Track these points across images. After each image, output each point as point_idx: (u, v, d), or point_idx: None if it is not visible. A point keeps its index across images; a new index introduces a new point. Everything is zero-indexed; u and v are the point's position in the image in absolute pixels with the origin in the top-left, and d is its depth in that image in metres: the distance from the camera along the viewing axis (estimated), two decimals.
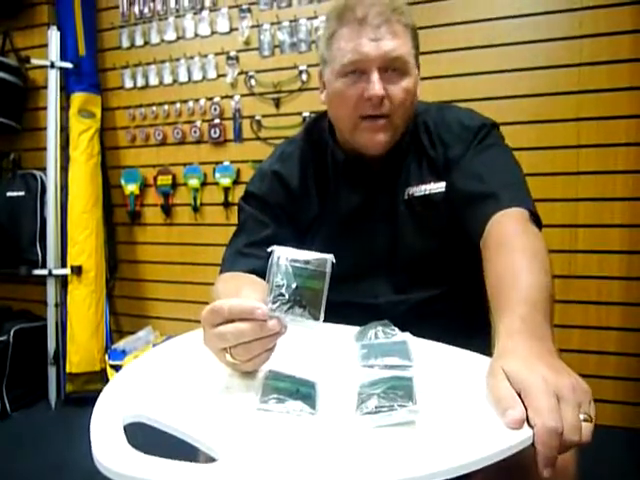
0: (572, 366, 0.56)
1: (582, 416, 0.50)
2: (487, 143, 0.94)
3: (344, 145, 1.00)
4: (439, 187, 0.96)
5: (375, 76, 0.88)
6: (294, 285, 0.60)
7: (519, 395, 0.52)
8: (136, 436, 0.55)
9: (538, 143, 1.92)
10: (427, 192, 0.96)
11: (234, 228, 1.05)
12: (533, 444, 0.49)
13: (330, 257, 0.61)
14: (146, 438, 0.60)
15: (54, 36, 2.44)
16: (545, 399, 0.49)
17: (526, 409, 0.50)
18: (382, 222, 0.99)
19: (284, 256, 0.61)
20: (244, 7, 2.28)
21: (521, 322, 0.61)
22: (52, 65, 2.42)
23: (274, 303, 0.59)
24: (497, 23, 1.95)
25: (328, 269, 0.60)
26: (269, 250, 0.62)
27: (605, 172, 1.88)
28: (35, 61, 2.46)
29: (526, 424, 0.50)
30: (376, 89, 0.87)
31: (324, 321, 0.60)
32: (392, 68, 0.89)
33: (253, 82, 2.31)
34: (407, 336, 0.76)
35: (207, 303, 0.64)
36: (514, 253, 0.73)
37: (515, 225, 0.80)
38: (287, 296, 0.59)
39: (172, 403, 0.61)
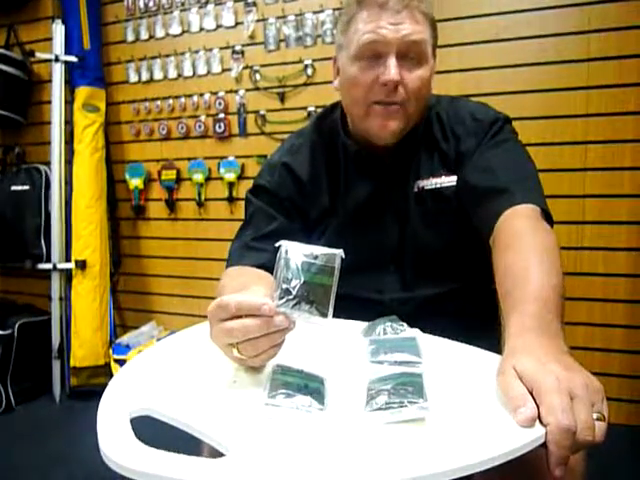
0: None
1: (595, 415, 0.50)
2: (500, 138, 0.93)
3: (356, 136, 0.99)
4: (450, 181, 0.95)
5: (392, 61, 0.86)
6: (302, 280, 0.58)
7: (531, 394, 0.51)
8: (137, 429, 0.55)
9: (545, 139, 1.91)
10: (438, 186, 0.95)
11: (239, 223, 1.04)
12: (545, 443, 0.48)
13: (339, 252, 0.59)
14: (148, 431, 0.59)
15: (59, 30, 2.43)
16: (558, 398, 0.49)
17: (538, 408, 0.50)
18: (392, 215, 0.98)
19: (292, 251, 0.60)
20: (249, 1, 2.27)
21: (532, 320, 0.60)
22: (57, 59, 2.41)
23: (281, 299, 0.58)
24: (505, 17, 1.93)
25: (337, 264, 0.59)
26: (277, 245, 0.61)
27: (612, 168, 1.86)
28: (40, 55, 2.45)
29: (538, 423, 0.49)
30: (392, 74, 0.85)
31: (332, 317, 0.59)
32: (410, 55, 0.87)
33: (258, 76, 2.30)
34: (416, 332, 0.75)
35: (211, 298, 0.63)
36: (525, 250, 0.72)
37: (526, 222, 0.79)
38: (294, 292, 0.58)
39: (179, 397, 0.60)
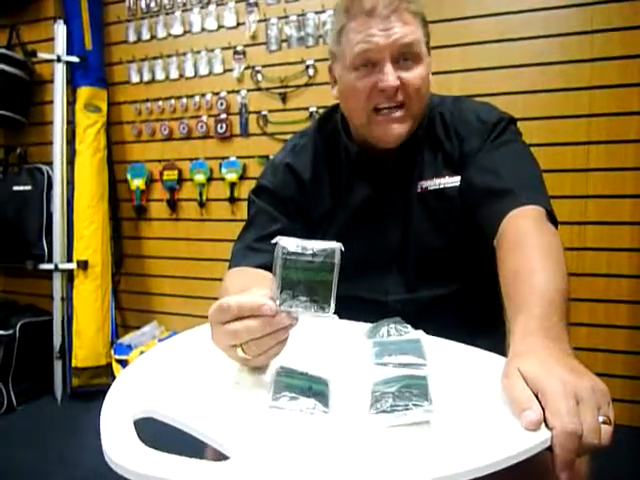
0: None
1: (601, 418, 0.49)
2: (505, 138, 0.93)
3: (357, 138, 0.98)
4: (454, 181, 0.94)
5: (388, 67, 0.86)
6: (302, 279, 0.57)
7: (536, 396, 0.51)
8: (141, 432, 0.54)
9: (548, 139, 1.90)
10: (441, 186, 0.95)
11: (240, 224, 1.04)
12: (550, 447, 0.48)
13: (338, 246, 0.58)
14: (152, 433, 0.59)
15: (61, 30, 2.43)
16: (564, 401, 0.48)
17: (543, 411, 0.49)
18: (394, 216, 0.97)
19: (290, 248, 0.58)
20: (251, 1, 2.27)
21: (537, 322, 0.60)
22: (58, 59, 2.42)
23: (282, 297, 0.58)
24: (508, 17, 1.93)
25: (337, 260, 0.58)
26: (273, 242, 0.59)
27: (615, 169, 1.86)
28: (42, 55, 2.45)
29: (543, 426, 0.49)
30: (390, 80, 0.85)
31: (334, 313, 0.59)
32: (404, 56, 0.87)
33: (260, 77, 2.30)
34: (420, 334, 0.75)
35: (213, 298, 0.63)
36: (530, 252, 0.72)
37: (531, 223, 0.79)
38: (295, 289, 0.57)
39: (183, 399, 0.60)
